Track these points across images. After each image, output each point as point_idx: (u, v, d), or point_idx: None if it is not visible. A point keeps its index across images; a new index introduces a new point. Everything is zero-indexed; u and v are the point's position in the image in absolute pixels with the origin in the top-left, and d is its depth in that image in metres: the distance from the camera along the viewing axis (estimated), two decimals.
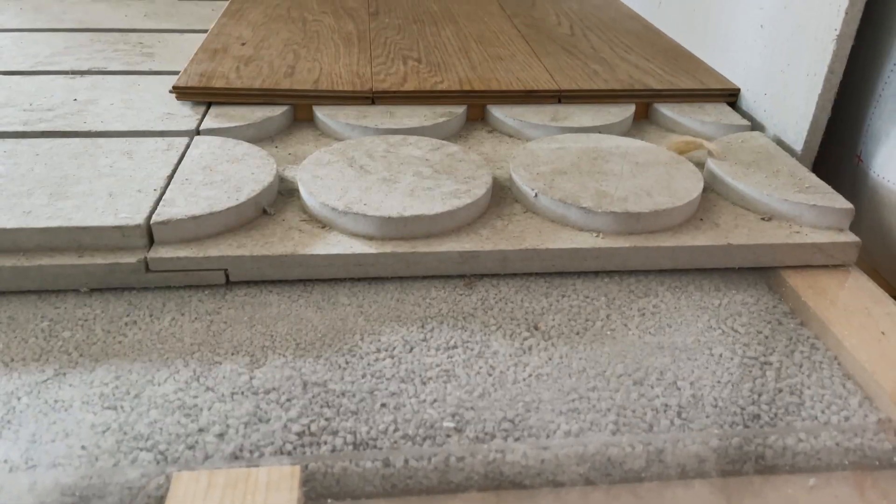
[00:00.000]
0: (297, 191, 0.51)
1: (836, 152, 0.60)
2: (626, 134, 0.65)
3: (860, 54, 0.56)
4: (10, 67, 0.70)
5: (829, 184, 0.53)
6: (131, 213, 0.45)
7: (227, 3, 0.91)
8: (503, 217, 0.51)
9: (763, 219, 0.51)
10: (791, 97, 0.59)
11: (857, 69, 0.57)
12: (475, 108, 0.67)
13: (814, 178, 0.53)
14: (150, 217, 0.45)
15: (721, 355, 0.42)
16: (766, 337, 0.44)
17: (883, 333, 0.43)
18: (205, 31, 0.82)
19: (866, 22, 0.53)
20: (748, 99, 0.66)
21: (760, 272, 0.50)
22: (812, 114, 0.56)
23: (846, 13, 0.52)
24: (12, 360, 0.39)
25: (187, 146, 0.55)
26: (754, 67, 0.65)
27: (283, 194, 0.52)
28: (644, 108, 0.68)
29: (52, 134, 0.56)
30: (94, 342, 0.40)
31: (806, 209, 0.50)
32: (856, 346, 0.42)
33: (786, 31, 0.60)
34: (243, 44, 0.75)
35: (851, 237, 0.49)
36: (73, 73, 0.69)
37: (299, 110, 0.65)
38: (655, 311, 0.45)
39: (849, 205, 0.50)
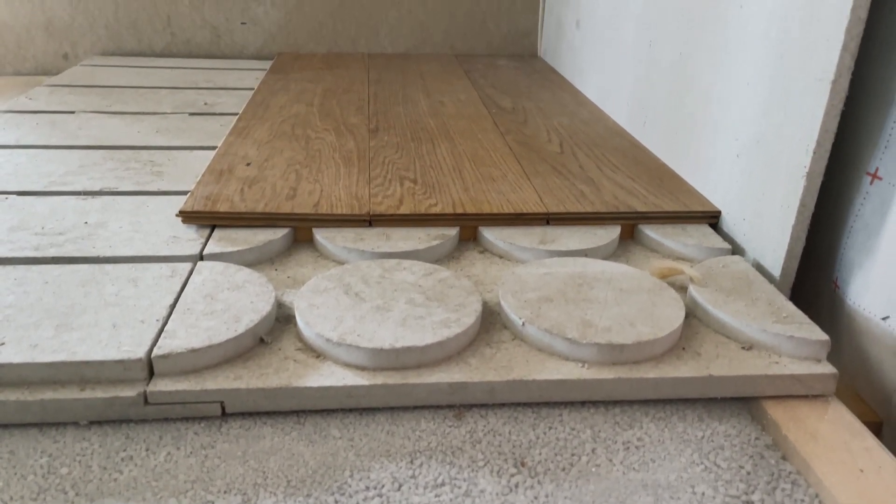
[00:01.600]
0: (295, 317, 0.53)
1: (814, 277, 0.63)
2: (612, 255, 0.68)
3: (832, 187, 0.59)
4: (25, 187, 0.73)
5: (808, 309, 0.55)
6: (133, 346, 0.47)
7: (235, 120, 0.96)
8: (492, 345, 0.52)
9: (744, 348, 0.53)
10: (767, 225, 0.62)
11: (829, 201, 0.60)
12: (468, 229, 0.70)
13: (791, 308, 0.55)
14: (151, 350, 0.47)
15: (703, 493, 0.43)
16: (749, 473, 0.45)
17: (861, 471, 0.44)
18: (213, 148, 0.86)
19: (834, 158, 0.57)
20: (728, 222, 0.69)
21: (742, 401, 0.51)
22: (787, 243, 0.59)
23: (814, 152, 0.56)
24: (11, 498, 0.40)
25: (190, 272, 0.58)
26: (733, 192, 0.68)
27: (281, 321, 0.54)
28: (629, 229, 0.71)
29: (61, 260, 0.59)
30: (90, 479, 0.41)
31: (784, 340, 0.52)
32: (836, 485, 0.42)
33: (759, 164, 0.63)
34: (248, 164, 0.79)
35: (829, 368, 0.51)
36: (86, 193, 0.72)
37: (300, 232, 0.68)
38: (640, 445, 0.46)
39: (825, 336, 0.51)
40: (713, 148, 0.72)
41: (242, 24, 1.37)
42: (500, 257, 0.67)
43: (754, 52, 0.64)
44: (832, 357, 0.52)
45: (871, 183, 0.56)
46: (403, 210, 0.69)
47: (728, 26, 0.69)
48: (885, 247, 0.55)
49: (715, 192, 0.72)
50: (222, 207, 0.67)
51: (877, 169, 0.56)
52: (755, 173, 0.64)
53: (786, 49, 0.59)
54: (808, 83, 0.56)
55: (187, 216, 0.66)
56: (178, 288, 0.55)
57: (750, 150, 0.65)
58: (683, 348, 0.53)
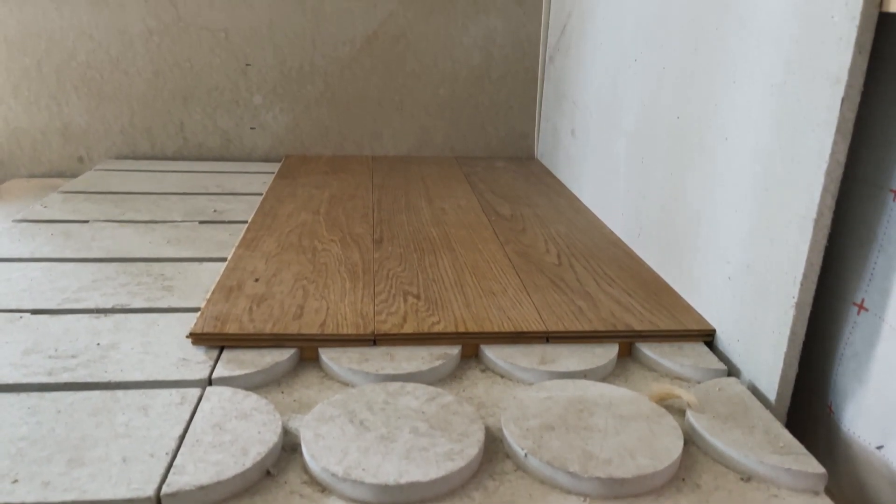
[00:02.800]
0: (300, 446, 0.54)
1: (809, 400, 0.64)
2: (611, 374, 0.69)
3: (821, 315, 0.61)
4: (40, 305, 0.76)
5: (805, 434, 0.56)
6: (142, 484, 0.48)
7: (244, 229, 1.00)
8: (495, 476, 0.53)
9: (742, 479, 0.54)
10: (761, 349, 0.64)
11: (819, 328, 0.62)
12: (469, 347, 0.71)
13: (788, 437, 0.56)
14: (160, 488, 0.48)
15: None
16: None
17: None
18: (222, 260, 0.89)
19: (823, 287, 0.59)
20: (723, 341, 0.71)
21: None
22: (781, 368, 0.61)
23: (801, 284, 0.58)
24: None
25: (199, 398, 0.59)
26: (726, 312, 0.71)
27: (287, 450, 0.55)
28: (627, 347, 0.73)
29: (74, 386, 0.61)
30: None
31: (782, 472, 0.53)
32: None
33: (750, 289, 0.66)
34: (256, 280, 0.81)
35: (827, 502, 0.51)
36: (98, 311, 0.74)
37: (306, 351, 0.69)
38: None
39: (821, 469, 0.52)
40: (705, 267, 0.75)
41: (252, 128, 1.43)
42: (502, 377, 0.68)
43: (740, 183, 0.68)
44: (831, 483, 0.53)
45: (859, 313, 0.58)
46: (407, 329, 0.71)
47: (715, 154, 0.73)
48: (876, 376, 0.56)
49: (709, 310, 0.74)
50: (231, 329, 0.69)
51: (863, 300, 0.58)
52: (746, 298, 0.66)
53: (770, 184, 0.63)
54: (791, 218, 0.59)
55: (197, 338, 0.68)
56: (187, 416, 0.56)
57: (740, 274, 0.68)
58: (683, 479, 0.54)
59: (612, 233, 1.03)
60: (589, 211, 1.14)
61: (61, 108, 1.37)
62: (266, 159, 1.46)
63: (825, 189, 0.55)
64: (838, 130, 0.54)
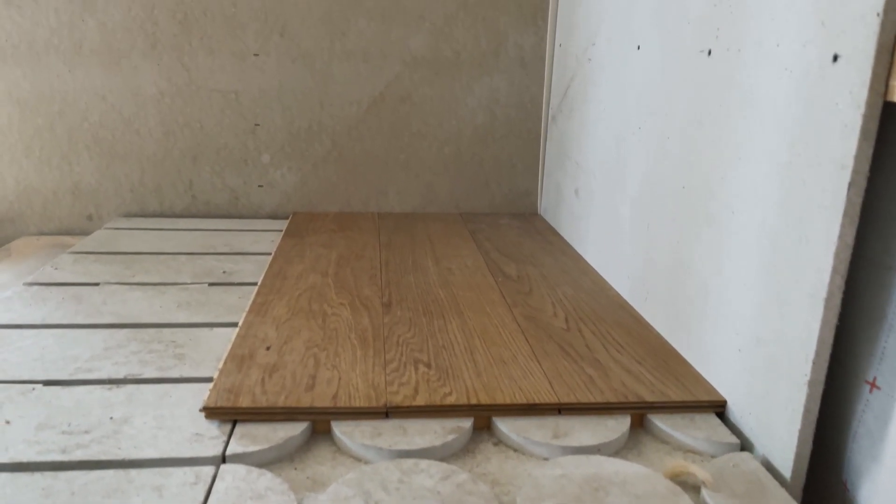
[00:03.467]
0: None
1: (824, 475, 0.64)
2: (624, 447, 0.69)
3: (834, 392, 0.62)
4: (52, 375, 0.76)
5: None
6: None
7: (253, 292, 1.00)
8: None
9: None
10: (774, 424, 0.64)
11: (832, 405, 0.62)
12: (482, 419, 0.71)
13: None
14: None
15: None
16: None
17: None
18: (233, 325, 0.90)
19: (835, 365, 0.60)
20: (735, 413, 0.71)
21: None
22: (795, 445, 0.61)
23: (813, 362, 0.59)
24: None
25: (214, 477, 0.59)
26: (737, 385, 0.71)
27: None
28: (639, 418, 0.73)
29: (87, 464, 0.60)
30: None
31: None
32: None
33: (761, 363, 0.66)
34: (268, 348, 0.82)
35: None
36: (111, 382, 0.75)
37: (318, 424, 0.69)
38: None
39: None
40: (715, 337, 0.76)
41: (260, 186, 1.45)
42: (515, 451, 0.68)
43: (748, 256, 0.69)
44: None
45: (871, 391, 0.59)
46: (419, 401, 0.71)
47: (722, 227, 0.74)
48: (890, 455, 0.57)
49: (719, 380, 0.75)
50: (244, 402, 0.69)
51: (875, 378, 0.58)
52: (758, 371, 0.67)
53: (778, 260, 0.64)
54: (801, 296, 0.60)
55: (210, 412, 0.68)
56: (201, 497, 0.56)
57: (751, 346, 0.68)
58: None
59: (618, 295, 1.04)
60: (594, 271, 1.15)
61: (72, 167, 1.39)
62: (274, 216, 1.47)
63: (834, 270, 0.56)
64: (846, 214, 0.55)
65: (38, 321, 0.90)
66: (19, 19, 1.30)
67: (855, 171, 0.54)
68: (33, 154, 1.38)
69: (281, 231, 1.36)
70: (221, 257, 1.19)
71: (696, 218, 0.80)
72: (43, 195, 1.40)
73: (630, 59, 1.00)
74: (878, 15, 0.51)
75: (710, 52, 0.77)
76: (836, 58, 0.56)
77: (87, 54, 1.33)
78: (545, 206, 1.50)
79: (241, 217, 1.47)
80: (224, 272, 1.11)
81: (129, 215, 1.43)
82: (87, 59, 1.33)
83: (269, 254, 1.21)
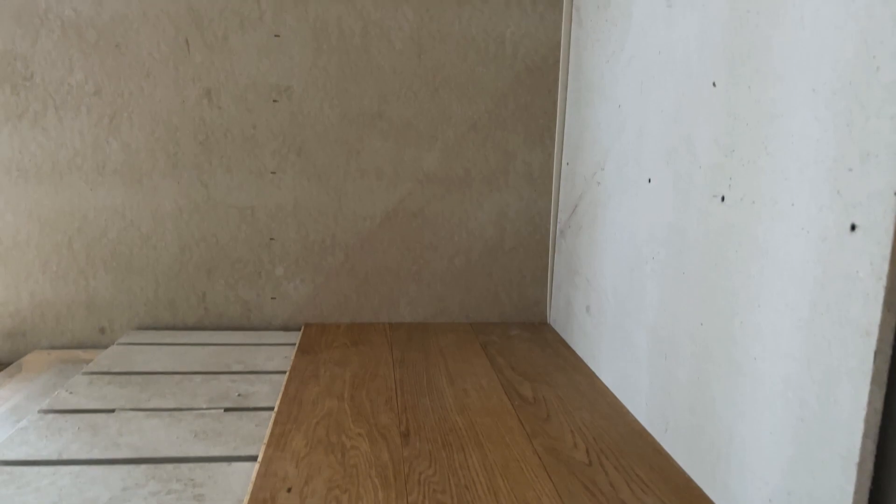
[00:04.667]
0: None
1: None
2: None
3: None
4: None
5: None
6: None
7: (270, 420, 1.00)
8: None
9: None
10: None
11: None
12: None
13: None
14: None
15: None
16: None
17: None
18: (252, 459, 0.89)
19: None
20: None
21: None
22: None
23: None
24: None
25: None
26: None
27: None
28: None
29: None
30: None
31: None
32: None
33: None
34: (289, 490, 0.81)
35: None
36: None
37: None
38: None
39: None
40: (742, 483, 0.75)
41: (273, 298, 1.46)
42: None
43: (774, 409, 0.69)
44: None
45: None
46: None
47: (744, 371, 0.75)
48: None
49: None
50: None
51: None
52: None
53: (806, 415, 0.64)
54: (832, 457, 0.60)
55: None
56: None
57: (781, 498, 0.68)
58: None
59: (636, 421, 1.04)
60: (610, 393, 1.15)
61: (88, 281, 1.40)
62: (285, 328, 1.48)
63: (865, 435, 0.57)
64: (874, 381, 0.56)
65: (54, 456, 0.89)
66: (44, 141, 1.35)
67: (880, 340, 0.55)
68: (50, 269, 1.39)
69: (294, 345, 1.36)
70: (236, 377, 1.19)
71: (717, 358, 0.81)
72: (56, 309, 1.41)
73: (641, 191, 1.04)
74: (895, 194, 0.54)
75: (723, 199, 0.80)
76: (853, 227, 0.59)
77: (109, 174, 1.37)
78: (554, 317, 1.52)
79: (253, 329, 1.47)
80: (239, 395, 1.11)
81: (141, 328, 1.44)
82: (110, 179, 1.37)
83: (284, 372, 1.21)
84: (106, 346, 1.41)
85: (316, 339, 1.38)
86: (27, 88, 1.32)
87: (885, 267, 0.55)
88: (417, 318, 1.53)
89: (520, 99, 1.45)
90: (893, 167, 0.54)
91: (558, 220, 1.49)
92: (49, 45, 1.31)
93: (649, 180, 1.01)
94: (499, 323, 1.55)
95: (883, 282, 0.55)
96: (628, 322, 1.09)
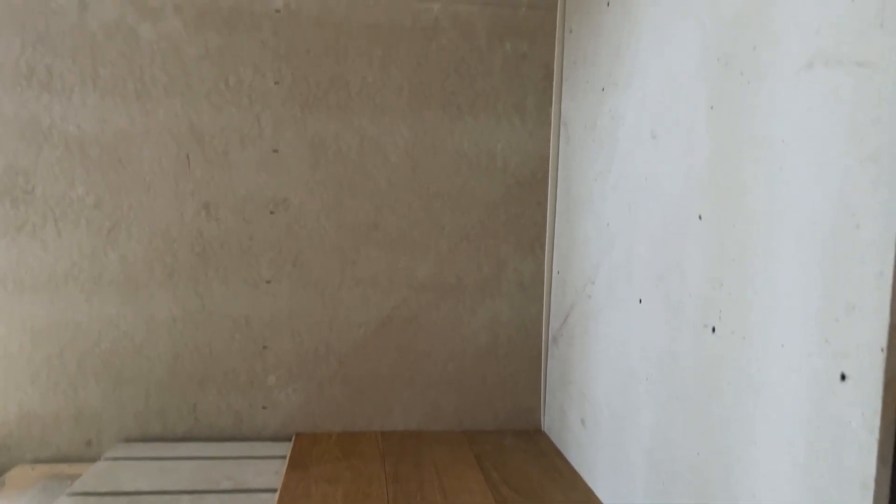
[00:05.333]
0: None
1: None
2: None
3: None
4: None
5: None
6: None
7: None
8: None
9: None
10: None
11: None
12: None
13: None
14: None
15: None
16: None
17: None
18: None
19: None
20: None
21: None
22: None
23: None
24: None
25: None
26: None
27: None
28: None
29: None
30: None
31: None
32: None
33: None
34: None
35: None
36: None
37: None
38: None
39: None
40: None
41: (264, 408, 1.45)
42: None
43: None
44: None
45: None
46: None
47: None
48: None
49: None
50: None
51: None
52: None
53: None
54: None
55: None
56: None
57: None
58: None
59: None
60: None
61: (77, 393, 1.39)
62: (275, 438, 1.46)
63: None
64: None
65: None
66: (42, 253, 1.36)
67: (877, 495, 0.56)
68: (40, 380, 1.38)
69: (284, 457, 1.34)
70: (224, 497, 1.16)
71: (716, 493, 0.81)
72: (43, 421, 1.39)
73: (632, 310, 1.06)
74: (882, 350, 0.56)
75: (714, 330, 0.82)
76: (843, 377, 0.60)
77: (105, 284, 1.38)
78: (549, 425, 1.51)
79: (243, 439, 1.45)
80: None
81: (129, 439, 1.41)
82: (105, 289, 1.38)
83: (274, 490, 1.19)
84: (92, 460, 1.37)
85: (307, 452, 1.36)
86: (27, 202, 1.35)
87: (877, 421, 0.56)
88: (411, 425, 1.51)
89: (511, 210, 1.49)
90: (879, 323, 0.56)
91: (550, 327, 1.50)
92: (52, 160, 1.35)
93: (640, 300, 1.03)
94: (493, 431, 1.53)
95: (875, 435, 0.56)
96: (624, 439, 1.09)
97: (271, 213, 1.42)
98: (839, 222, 0.61)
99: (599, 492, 1.19)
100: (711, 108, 0.84)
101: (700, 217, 0.86)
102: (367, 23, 1.41)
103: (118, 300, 1.38)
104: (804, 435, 0.65)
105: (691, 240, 0.88)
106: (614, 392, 1.13)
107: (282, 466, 1.29)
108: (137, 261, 1.38)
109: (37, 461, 1.39)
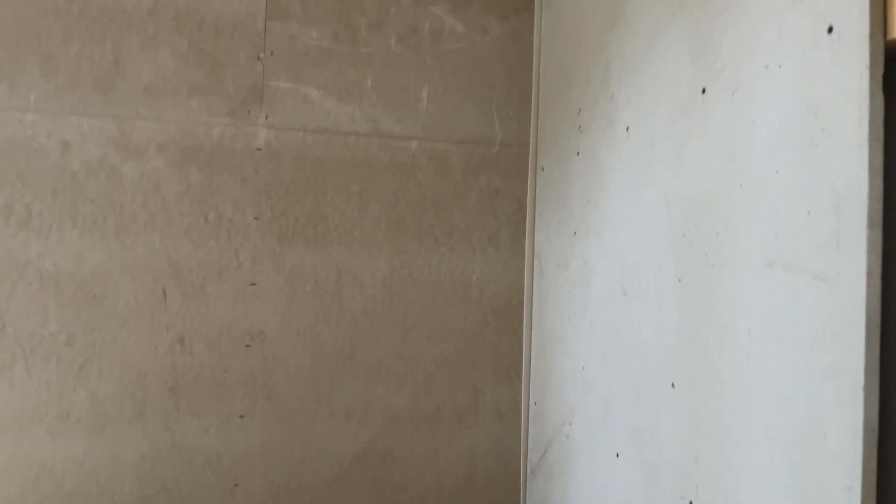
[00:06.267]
0: None
1: None
2: None
3: None
4: None
5: None
6: None
7: None
8: None
9: None
10: None
11: None
12: None
13: None
14: None
15: None
16: None
17: None
18: None
19: None
20: None
21: None
22: None
23: None
24: None
25: None
26: None
27: None
28: None
29: None
30: None
31: None
32: None
33: None
34: None
35: None
36: None
37: None
38: None
39: None
40: None
41: None
42: None
43: None
44: None
45: None
46: None
47: None
48: None
49: None
50: None
51: None
52: None
53: None
54: None
55: None
56: None
57: None
58: None
59: None
60: None
61: None
62: None
63: None
64: None
65: None
66: (9, 392, 1.33)
67: None
68: None
69: None
70: None
71: None
72: None
73: (610, 464, 1.06)
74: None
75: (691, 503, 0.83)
76: None
77: (72, 422, 1.34)
78: None
79: None
80: None
81: None
82: (73, 428, 1.34)
83: None
84: None
85: None
86: None
87: None
88: None
89: (487, 338, 1.51)
90: None
91: (529, 459, 1.49)
92: (25, 297, 1.34)
93: (617, 455, 1.04)
94: None
95: None
96: None
97: (247, 345, 1.41)
98: (807, 429, 0.63)
99: None
100: (679, 280, 0.87)
101: (673, 385, 0.87)
102: (346, 159, 1.45)
103: (85, 438, 1.35)
104: None
105: (665, 406, 0.89)
106: None
107: None
108: (107, 397, 1.36)
109: None
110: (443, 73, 1.49)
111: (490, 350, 1.51)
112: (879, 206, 0.57)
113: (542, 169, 1.46)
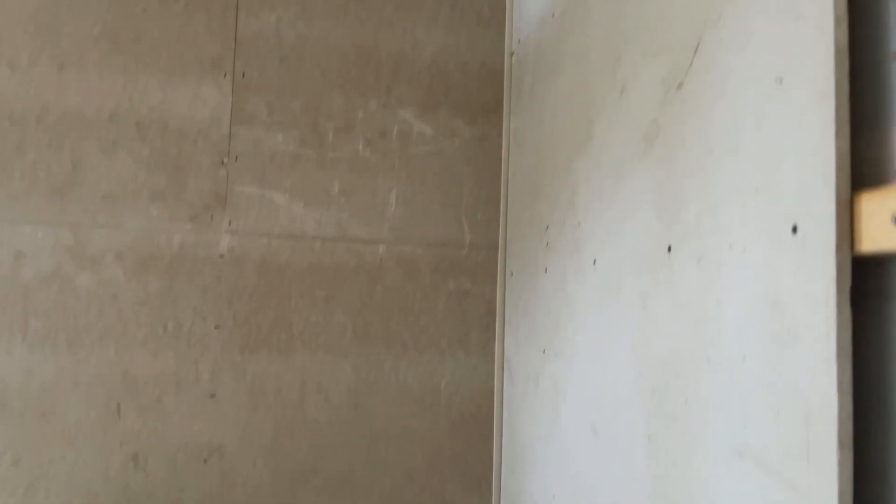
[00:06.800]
0: None
1: None
2: None
3: None
4: None
5: None
6: None
7: None
8: None
9: None
10: None
11: None
12: None
13: None
14: None
15: None
16: None
17: None
18: None
19: None
20: None
21: None
22: None
23: None
24: None
25: None
26: None
27: None
28: None
29: None
30: None
31: None
32: None
33: None
34: None
35: None
36: None
37: None
38: None
39: None
40: None
41: None
42: None
43: None
44: None
45: None
46: None
47: None
48: None
49: None
50: None
51: None
52: None
53: None
54: None
55: None
56: None
57: None
58: None
59: None
60: None
61: None
62: None
63: None
64: None
65: None
66: None
67: None
68: None
69: None
70: None
71: None
72: None
73: None
74: None
75: None
76: None
77: None
78: None
79: None
80: None
81: None
82: None
83: None
84: None
85: None
86: None
87: None
88: None
89: (456, 447, 1.46)
90: None
91: None
92: None
93: None
94: None
95: None
96: None
97: (205, 461, 1.35)
98: None
99: None
100: (649, 437, 0.84)
101: None
102: (311, 264, 1.42)
103: None
104: None
105: None
106: None
107: None
108: None
109: None
110: (411, 176, 1.48)
111: (459, 460, 1.46)
112: (849, 427, 0.55)
113: (511, 274, 1.44)
